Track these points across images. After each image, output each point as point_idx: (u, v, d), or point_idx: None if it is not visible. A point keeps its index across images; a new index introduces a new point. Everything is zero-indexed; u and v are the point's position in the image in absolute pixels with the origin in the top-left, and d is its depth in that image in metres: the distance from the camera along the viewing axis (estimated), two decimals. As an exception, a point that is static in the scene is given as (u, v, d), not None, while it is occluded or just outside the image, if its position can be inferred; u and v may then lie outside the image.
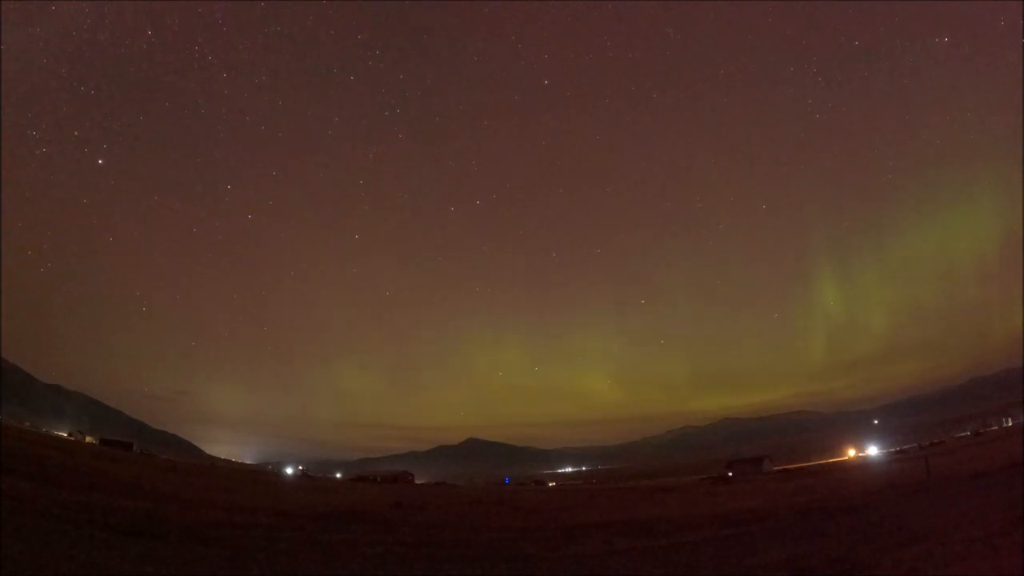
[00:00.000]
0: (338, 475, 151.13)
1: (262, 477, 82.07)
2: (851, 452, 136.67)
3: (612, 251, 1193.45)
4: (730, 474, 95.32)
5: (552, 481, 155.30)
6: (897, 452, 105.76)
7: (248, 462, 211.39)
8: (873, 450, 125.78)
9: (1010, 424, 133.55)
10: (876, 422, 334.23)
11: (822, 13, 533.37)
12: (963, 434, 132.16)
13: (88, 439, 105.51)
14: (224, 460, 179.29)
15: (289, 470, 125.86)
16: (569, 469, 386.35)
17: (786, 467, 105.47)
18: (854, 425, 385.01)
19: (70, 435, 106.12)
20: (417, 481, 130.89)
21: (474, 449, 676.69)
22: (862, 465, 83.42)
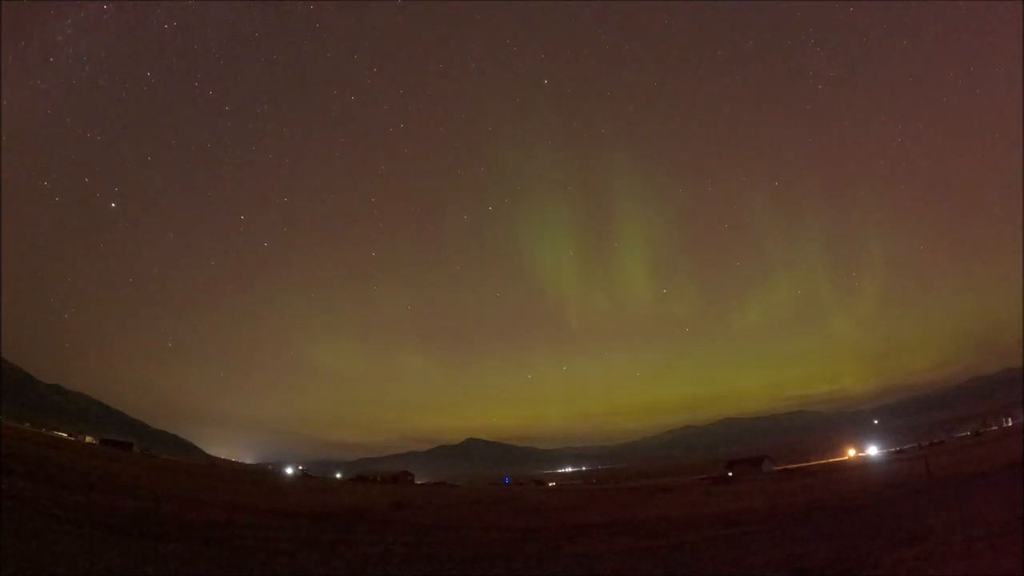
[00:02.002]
0: (338, 475, 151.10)
1: (262, 477, 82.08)
2: (851, 452, 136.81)
3: (628, 243, 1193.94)
4: (730, 474, 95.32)
5: (552, 481, 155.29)
6: (897, 452, 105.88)
7: (248, 462, 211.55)
8: (873, 450, 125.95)
9: (1010, 424, 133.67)
10: (876, 422, 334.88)
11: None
12: (963, 434, 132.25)
13: (88, 439, 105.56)
14: (224, 460, 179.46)
15: (289, 470, 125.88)
16: (569, 469, 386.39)
17: (786, 467, 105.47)
18: (854, 425, 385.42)
19: (70, 435, 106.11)
20: (417, 481, 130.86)
21: (474, 449, 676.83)
22: (862, 465, 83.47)
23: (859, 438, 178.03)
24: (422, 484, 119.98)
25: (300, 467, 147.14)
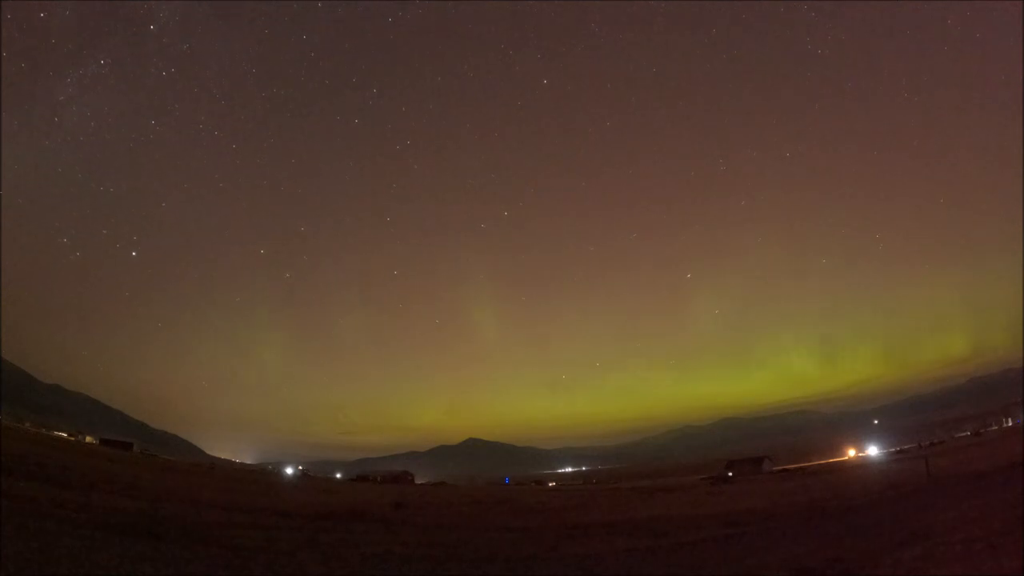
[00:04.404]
0: (338, 475, 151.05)
1: (262, 477, 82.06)
2: (851, 452, 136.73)
3: (648, 233, 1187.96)
4: (730, 474, 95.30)
5: (552, 481, 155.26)
6: (897, 452, 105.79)
7: (248, 462, 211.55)
8: (873, 450, 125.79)
9: (1010, 424, 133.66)
10: (876, 422, 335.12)
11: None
12: (963, 434, 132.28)
13: (88, 439, 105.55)
14: (224, 460, 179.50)
15: (289, 470, 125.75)
16: (569, 469, 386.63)
17: (786, 467, 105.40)
18: (854, 425, 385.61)
19: (70, 435, 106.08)
20: (417, 481, 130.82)
21: (474, 449, 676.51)
22: (862, 465, 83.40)
23: (859, 438, 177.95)
24: (422, 484, 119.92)
25: (300, 467, 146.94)
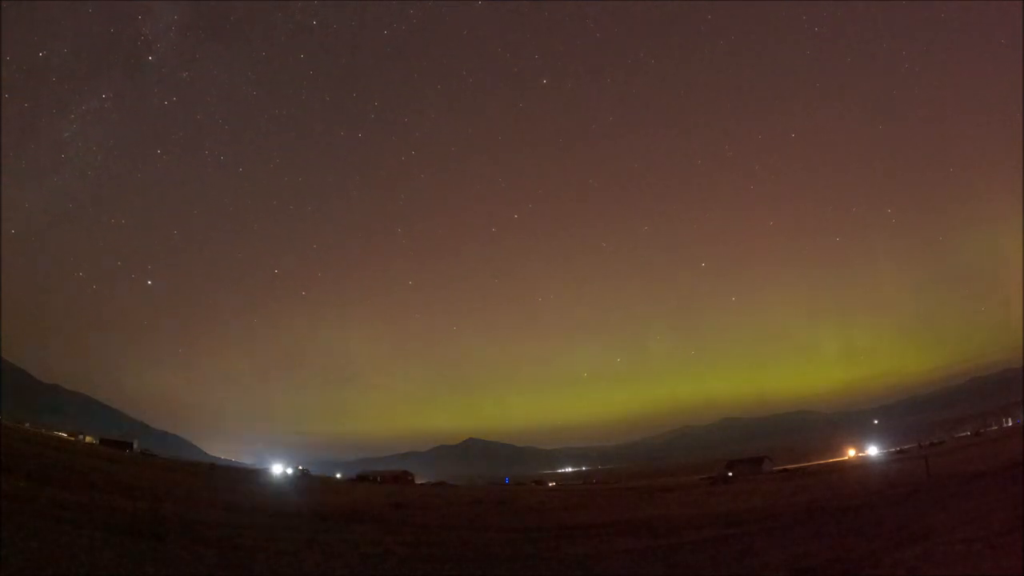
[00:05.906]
0: (338, 475, 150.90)
1: (262, 477, 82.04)
2: (851, 452, 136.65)
3: (659, 224, 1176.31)
4: (730, 474, 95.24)
5: (552, 481, 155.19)
6: (897, 452, 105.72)
7: (248, 462, 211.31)
8: (873, 450, 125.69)
9: (1010, 424, 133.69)
10: (876, 422, 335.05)
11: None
12: (963, 434, 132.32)
13: (88, 439, 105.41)
14: (224, 460, 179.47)
15: (289, 470, 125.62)
16: (569, 469, 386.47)
17: (786, 467, 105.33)
18: (854, 425, 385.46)
19: (70, 435, 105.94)
20: (417, 481, 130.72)
21: (474, 449, 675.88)
22: (862, 465, 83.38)
23: (859, 438, 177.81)
24: (422, 484, 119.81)
25: (300, 467, 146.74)
